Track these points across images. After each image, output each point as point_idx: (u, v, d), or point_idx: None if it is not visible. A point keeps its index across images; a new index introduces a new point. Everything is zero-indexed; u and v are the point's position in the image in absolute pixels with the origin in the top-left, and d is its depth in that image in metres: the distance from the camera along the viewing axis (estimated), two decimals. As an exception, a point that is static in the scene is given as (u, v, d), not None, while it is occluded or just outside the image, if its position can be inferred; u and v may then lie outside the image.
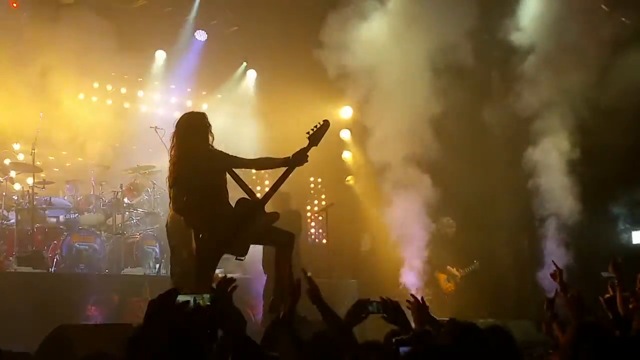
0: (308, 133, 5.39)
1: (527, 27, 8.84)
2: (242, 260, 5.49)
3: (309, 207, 11.98)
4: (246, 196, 5.37)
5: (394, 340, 2.98)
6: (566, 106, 8.58)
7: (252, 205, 5.31)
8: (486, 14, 8.58)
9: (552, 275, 4.37)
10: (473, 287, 8.94)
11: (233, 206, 5.32)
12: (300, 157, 5.34)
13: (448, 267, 9.08)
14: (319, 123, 5.43)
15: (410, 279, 8.78)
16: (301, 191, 11.67)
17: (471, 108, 9.38)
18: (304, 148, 5.36)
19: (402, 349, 2.83)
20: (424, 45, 8.53)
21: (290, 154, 5.37)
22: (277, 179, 5.42)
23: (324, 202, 11.37)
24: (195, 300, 2.45)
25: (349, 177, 11.31)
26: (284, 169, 5.41)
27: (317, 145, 5.40)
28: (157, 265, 8.86)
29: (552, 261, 4.58)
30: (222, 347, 2.60)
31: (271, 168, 5.84)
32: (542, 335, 4.11)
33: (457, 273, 9.06)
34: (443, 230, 9.05)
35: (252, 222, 5.24)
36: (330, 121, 5.54)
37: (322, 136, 5.40)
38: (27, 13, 8.99)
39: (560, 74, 8.50)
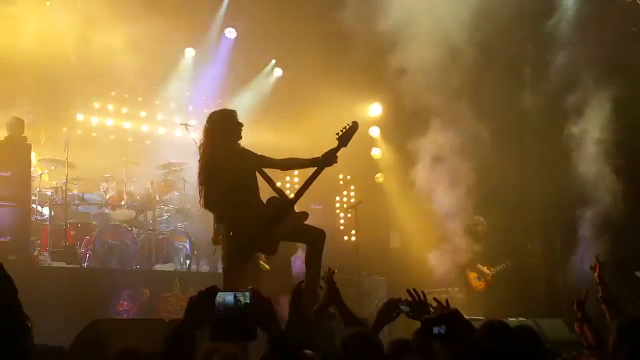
0: (337, 134, 5.39)
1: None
2: (271, 258, 5.51)
3: (338, 205, 11.96)
4: (276, 195, 5.39)
5: (423, 319, 2.89)
6: (604, 102, 8.39)
7: (282, 204, 5.33)
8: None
9: (592, 268, 4.31)
10: (504, 285, 8.83)
11: (264, 204, 5.34)
12: (329, 158, 5.34)
13: (479, 265, 8.97)
14: (348, 124, 5.42)
15: (440, 278, 8.71)
16: (330, 188, 11.67)
17: (505, 102, 9.23)
18: (334, 149, 5.36)
19: (436, 329, 2.74)
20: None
21: (318, 154, 5.38)
22: (306, 179, 5.42)
23: (353, 199, 11.34)
24: (235, 297, 2.44)
25: (378, 175, 11.26)
26: (313, 169, 5.41)
27: (346, 146, 5.39)
28: (187, 261, 8.96)
29: (595, 256, 4.49)
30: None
31: (300, 168, 5.84)
32: (576, 334, 4.04)
33: (487, 271, 8.96)
34: (474, 228, 8.94)
35: (283, 220, 5.26)
36: (359, 118, 5.55)
37: (351, 137, 5.39)
38: (58, 10, 9.13)
39: (600, 66, 8.30)
